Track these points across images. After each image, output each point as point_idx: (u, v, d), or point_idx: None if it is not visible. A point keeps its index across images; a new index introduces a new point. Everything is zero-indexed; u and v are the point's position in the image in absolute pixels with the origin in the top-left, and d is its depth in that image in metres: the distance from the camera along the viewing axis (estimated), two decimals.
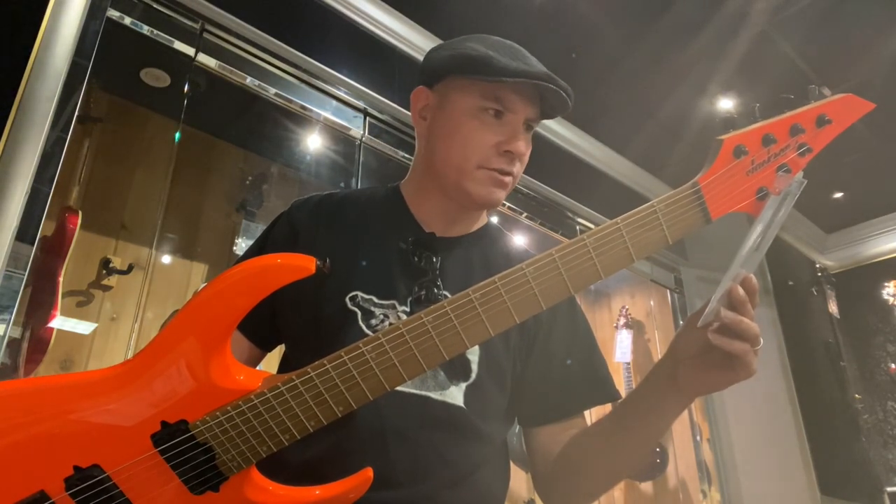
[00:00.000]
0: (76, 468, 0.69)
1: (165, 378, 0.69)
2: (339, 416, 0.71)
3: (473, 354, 0.90)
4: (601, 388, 0.98)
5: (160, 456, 0.69)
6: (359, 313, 0.89)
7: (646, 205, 0.70)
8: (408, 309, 0.90)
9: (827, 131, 0.72)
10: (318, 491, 0.72)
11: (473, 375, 0.89)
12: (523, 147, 0.91)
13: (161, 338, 0.70)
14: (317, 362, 0.70)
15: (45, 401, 0.70)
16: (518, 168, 0.93)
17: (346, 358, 0.69)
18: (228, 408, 0.69)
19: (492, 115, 0.91)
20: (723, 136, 0.71)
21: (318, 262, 0.68)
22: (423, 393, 0.85)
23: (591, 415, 0.99)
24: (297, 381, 0.70)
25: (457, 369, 0.88)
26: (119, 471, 0.69)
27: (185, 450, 0.69)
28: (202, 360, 0.69)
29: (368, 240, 0.97)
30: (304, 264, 0.68)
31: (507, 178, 0.92)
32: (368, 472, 0.72)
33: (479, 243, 1.01)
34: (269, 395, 0.70)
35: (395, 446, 0.82)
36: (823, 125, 0.71)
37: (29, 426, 0.69)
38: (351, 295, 0.90)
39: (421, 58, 2.86)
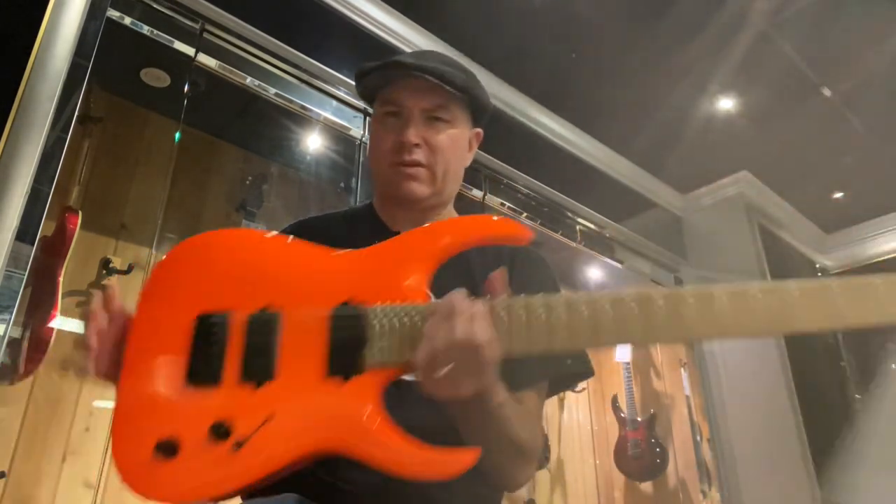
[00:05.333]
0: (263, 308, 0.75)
1: (372, 269, 0.76)
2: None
3: None
4: (548, 364, 0.90)
5: (327, 321, 0.72)
6: None
7: None
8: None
9: None
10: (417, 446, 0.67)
11: None
12: (412, 136, 0.94)
13: (390, 242, 0.78)
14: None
15: (267, 247, 0.82)
16: (427, 156, 0.95)
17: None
18: (401, 307, 0.71)
19: (393, 118, 0.97)
20: None
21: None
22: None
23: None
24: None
25: None
26: (289, 317, 0.74)
27: (350, 325, 0.71)
28: (406, 269, 0.74)
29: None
30: (522, 234, 0.74)
31: (415, 169, 0.95)
32: (465, 454, 0.67)
33: None
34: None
35: None
36: None
37: (246, 263, 0.80)
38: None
39: None
